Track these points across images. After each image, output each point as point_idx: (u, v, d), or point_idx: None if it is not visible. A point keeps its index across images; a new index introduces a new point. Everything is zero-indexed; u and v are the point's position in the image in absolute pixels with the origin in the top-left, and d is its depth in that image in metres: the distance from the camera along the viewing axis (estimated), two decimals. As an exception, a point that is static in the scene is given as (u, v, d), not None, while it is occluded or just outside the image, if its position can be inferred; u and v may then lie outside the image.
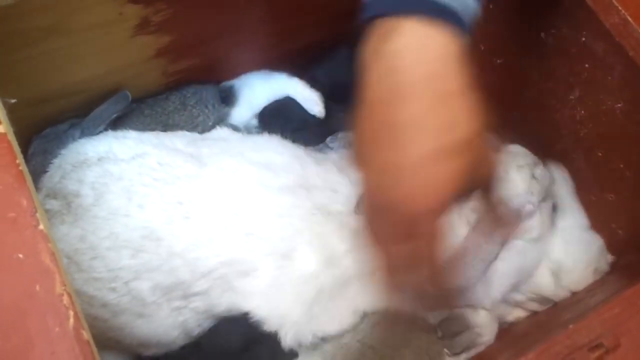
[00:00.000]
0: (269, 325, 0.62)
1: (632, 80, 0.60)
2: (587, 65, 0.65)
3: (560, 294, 0.70)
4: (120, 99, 0.72)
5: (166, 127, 0.75)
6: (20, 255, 0.38)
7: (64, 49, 0.64)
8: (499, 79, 0.75)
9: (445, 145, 0.40)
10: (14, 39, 0.60)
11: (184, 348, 0.64)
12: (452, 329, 0.66)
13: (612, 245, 0.71)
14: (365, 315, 0.66)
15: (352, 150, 0.44)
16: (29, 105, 0.68)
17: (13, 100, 0.60)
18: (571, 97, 0.69)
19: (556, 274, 0.69)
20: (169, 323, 0.62)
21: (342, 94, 0.82)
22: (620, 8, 0.58)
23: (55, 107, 0.71)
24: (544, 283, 0.70)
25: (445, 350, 0.65)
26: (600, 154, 0.69)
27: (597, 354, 0.48)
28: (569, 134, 0.71)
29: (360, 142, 0.43)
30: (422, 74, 0.40)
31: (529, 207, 0.66)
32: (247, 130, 0.80)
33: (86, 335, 0.37)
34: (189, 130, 0.75)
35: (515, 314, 0.72)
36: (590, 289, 0.69)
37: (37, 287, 0.38)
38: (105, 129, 0.71)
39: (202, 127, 0.77)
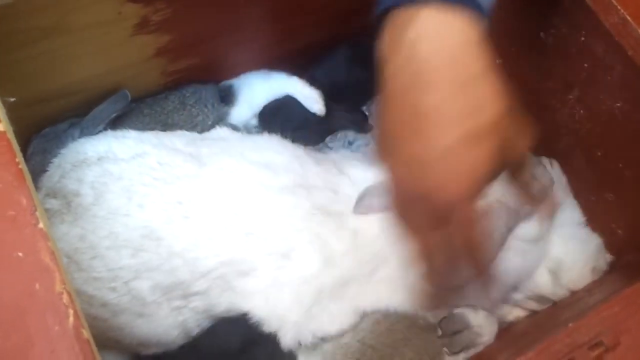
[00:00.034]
0: (269, 326, 0.61)
1: (632, 80, 0.60)
2: (586, 65, 0.65)
3: (558, 292, 0.70)
4: (120, 98, 0.72)
5: (165, 126, 0.75)
6: (20, 254, 0.38)
7: (63, 48, 0.64)
8: (499, 79, 0.75)
9: (472, 130, 0.39)
10: (13, 38, 0.60)
11: (182, 348, 0.64)
12: (452, 328, 0.66)
13: (611, 244, 0.72)
14: (365, 315, 0.66)
15: (376, 143, 0.43)
16: (28, 104, 0.68)
17: (12, 99, 0.60)
18: (570, 96, 0.69)
19: (554, 273, 0.69)
20: (169, 323, 0.62)
21: (342, 94, 0.84)
22: (619, 8, 0.58)
23: (54, 106, 0.71)
24: (543, 282, 0.70)
25: (445, 349, 0.65)
26: (599, 154, 0.69)
27: (597, 352, 0.49)
28: (569, 134, 0.71)
29: (385, 134, 0.42)
30: (443, 60, 0.39)
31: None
32: (246, 129, 0.80)
33: (86, 333, 0.37)
34: (188, 129, 0.75)
35: (515, 314, 0.72)
36: (589, 289, 0.69)
37: (37, 286, 0.37)
38: (105, 129, 0.71)
39: (202, 127, 0.77)
